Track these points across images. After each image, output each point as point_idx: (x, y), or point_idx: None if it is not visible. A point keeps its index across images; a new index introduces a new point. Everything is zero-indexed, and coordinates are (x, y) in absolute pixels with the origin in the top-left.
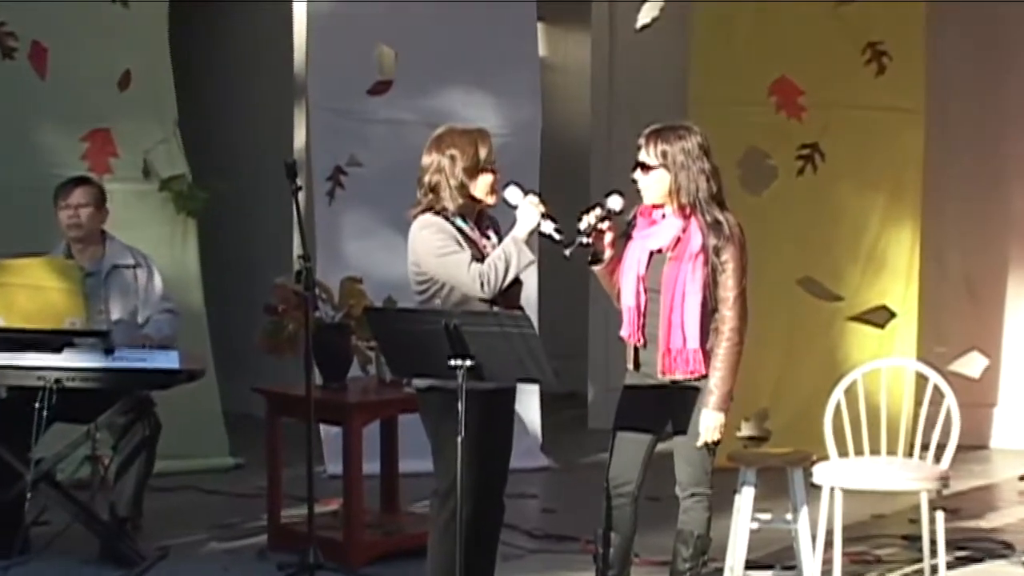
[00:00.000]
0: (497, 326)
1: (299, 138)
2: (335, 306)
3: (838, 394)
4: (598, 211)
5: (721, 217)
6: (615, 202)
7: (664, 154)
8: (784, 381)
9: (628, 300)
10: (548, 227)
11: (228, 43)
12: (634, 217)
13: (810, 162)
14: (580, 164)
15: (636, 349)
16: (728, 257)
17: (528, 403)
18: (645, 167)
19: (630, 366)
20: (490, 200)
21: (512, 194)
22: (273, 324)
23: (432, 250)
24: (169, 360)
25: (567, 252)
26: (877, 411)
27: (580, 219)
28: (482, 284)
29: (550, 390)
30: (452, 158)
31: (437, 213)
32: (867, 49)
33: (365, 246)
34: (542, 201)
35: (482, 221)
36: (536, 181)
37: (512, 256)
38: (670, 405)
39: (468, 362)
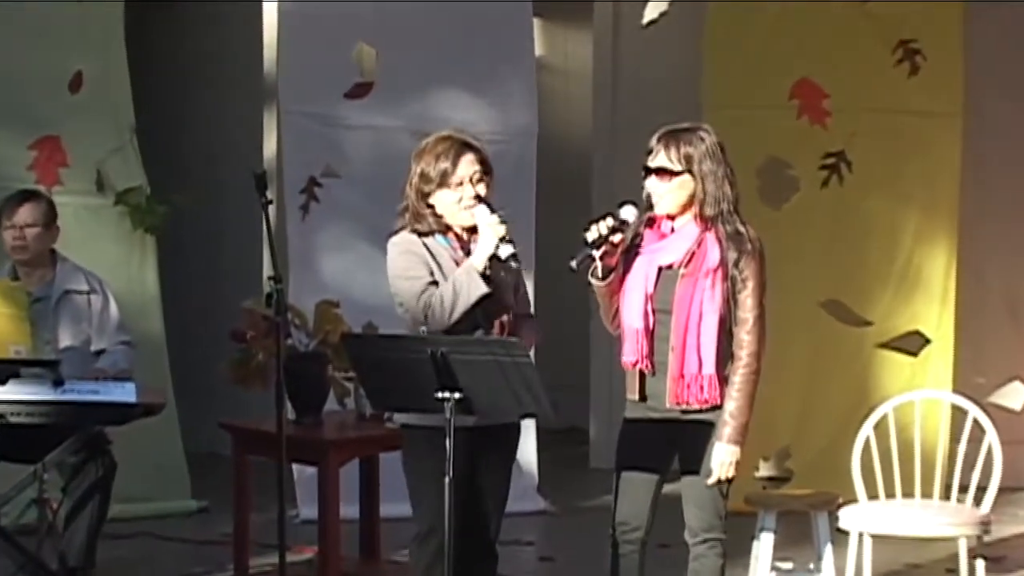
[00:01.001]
0: (489, 354)
1: (269, 146)
2: (309, 333)
3: (867, 430)
4: (610, 221)
5: (742, 228)
6: (628, 212)
7: (688, 158)
8: (806, 415)
9: (633, 321)
10: (505, 251)
11: (190, 42)
12: (640, 229)
13: (835, 172)
14: (581, 174)
15: (642, 377)
16: (749, 273)
17: (523, 440)
18: (664, 172)
19: (633, 397)
20: (459, 220)
21: (480, 215)
22: (241, 353)
23: (395, 272)
24: (125, 393)
25: (573, 263)
26: (910, 448)
27: (588, 229)
28: (426, 316)
29: (548, 425)
30: (421, 173)
31: (414, 231)
32: (899, 48)
33: (342, 266)
34: (503, 222)
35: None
36: (532, 192)
37: (461, 288)
38: (678, 440)
39: (456, 395)
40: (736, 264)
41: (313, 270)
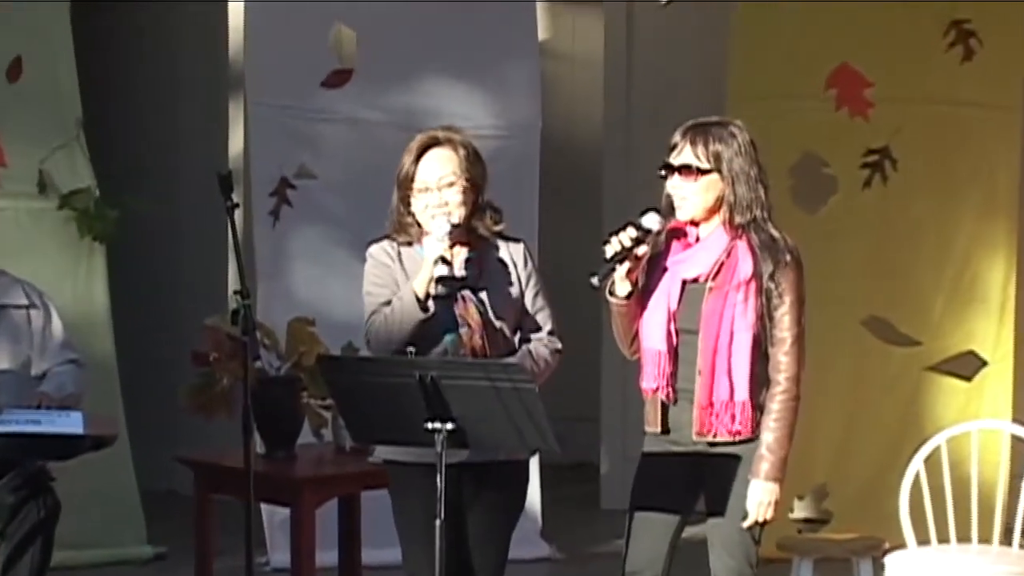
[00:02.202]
0: (485, 379)
1: (235, 142)
2: (281, 354)
3: (916, 464)
4: (632, 231)
5: (777, 234)
6: (651, 221)
7: (717, 156)
8: (847, 449)
9: (655, 343)
10: (441, 271)
11: (146, 23)
12: (661, 236)
13: (879, 171)
14: (590, 173)
15: (663, 406)
16: (786, 286)
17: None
18: (690, 170)
19: (654, 428)
20: (430, 229)
21: (435, 228)
22: (202, 377)
23: (364, 285)
24: (71, 423)
25: (595, 280)
26: (966, 486)
27: (608, 241)
28: (367, 340)
29: (552, 460)
30: (396, 176)
31: (393, 241)
32: (951, 30)
33: (319, 279)
34: (451, 237)
35: (479, 256)
36: (534, 193)
37: (396, 312)
38: (704, 477)
39: (449, 425)
40: (772, 276)
41: (285, 283)
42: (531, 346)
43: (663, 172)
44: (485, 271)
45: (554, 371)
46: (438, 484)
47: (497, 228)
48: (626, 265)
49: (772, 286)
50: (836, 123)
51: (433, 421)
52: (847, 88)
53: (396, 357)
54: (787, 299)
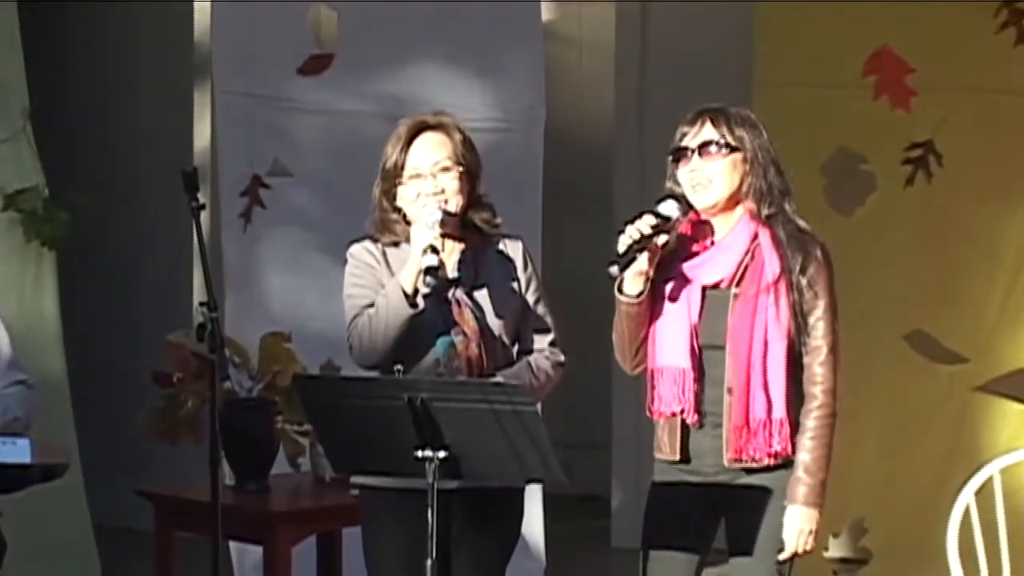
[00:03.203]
0: (483, 401)
1: (201, 136)
2: (252, 374)
3: (966, 497)
4: (650, 218)
5: (805, 224)
6: (670, 208)
7: (742, 139)
8: (887, 479)
9: (677, 360)
10: (429, 260)
11: (104, 9)
12: (673, 234)
13: (922, 167)
14: (600, 168)
15: (684, 431)
16: (821, 285)
17: (527, 510)
18: (712, 148)
19: (672, 456)
20: (419, 217)
21: (424, 215)
22: (165, 400)
23: (344, 289)
24: (17, 452)
25: (614, 269)
26: (1021, 520)
27: (623, 231)
28: (350, 347)
29: (558, 491)
30: (380, 169)
31: (375, 240)
32: (1002, 10)
33: (295, 289)
34: (443, 224)
35: (476, 254)
36: (538, 191)
37: (381, 311)
38: (727, 510)
39: (441, 453)
40: (803, 270)
41: (257, 294)
42: (531, 358)
43: (672, 158)
44: (482, 271)
45: (556, 388)
46: (429, 519)
47: (497, 222)
48: (645, 257)
49: (804, 282)
50: (875, 114)
51: (424, 448)
52: (887, 74)
53: (382, 377)
54: (821, 302)
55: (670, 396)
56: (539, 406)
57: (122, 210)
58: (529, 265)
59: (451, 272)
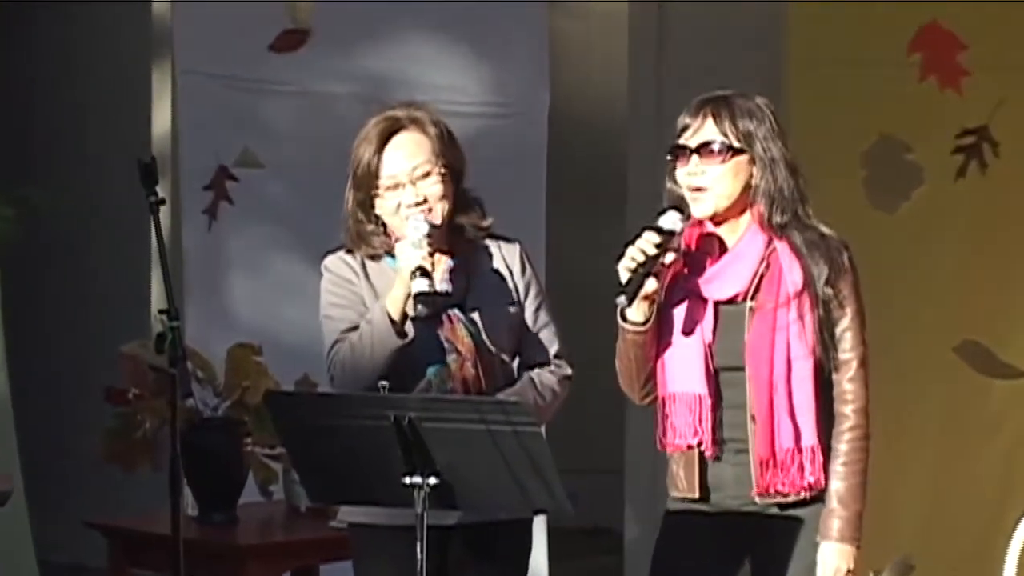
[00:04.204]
0: (478, 420)
1: (161, 123)
2: (218, 390)
3: None
4: (653, 236)
5: (826, 230)
6: (672, 220)
7: (749, 136)
8: (937, 509)
9: (689, 385)
10: (420, 285)
11: None
12: (679, 243)
13: (975, 157)
14: (612, 159)
15: (702, 463)
16: (847, 294)
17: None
18: (713, 149)
19: (690, 493)
20: (405, 233)
21: (412, 230)
22: (119, 420)
23: (321, 308)
24: None
25: (622, 299)
26: None
27: (622, 255)
28: (331, 376)
29: (564, 523)
30: (351, 175)
31: (350, 251)
32: None
33: (266, 294)
34: (432, 245)
35: (466, 262)
36: (541, 186)
37: (364, 339)
38: (750, 545)
39: (432, 480)
40: (828, 281)
41: (224, 300)
42: (534, 374)
43: (670, 156)
44: (475, 281)
45: (564, 404)
46: (418, 555)
47: (484, 224)
48: (652, 281)
49: (831, 294)
50: (922, 96)
51: (412, 474)
52: (936, 52)
53: (365, 394)
54: (848, 310)
55: (685, 426)
56: (543, 427)
57: (73, 206)
58: (528, 269)
59: (440, 284)
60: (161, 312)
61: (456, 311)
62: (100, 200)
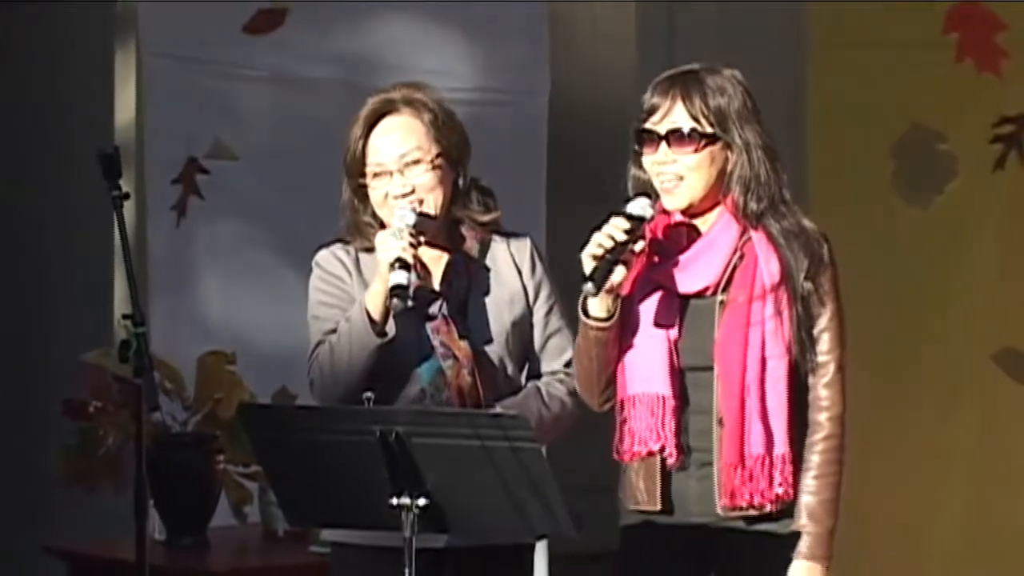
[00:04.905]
0: (472, 436)
1: (124, 109)
2: (188, 403)
3: None
4: (622, 222)
5: (806, 221)
6: (643, 206)
7: (721, 116)
8: (973, 536)
9: (651, 384)
10: (397, 278)
11: None
12: (645, 236)
13: (1015, 147)
14: (617, 147)
15: (664, 472)
16: (827, 291)
17: (532, 570)
18: (685, 137)
19: (647, 506)
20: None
21: (396, 219)
22: (79, 435)
23: (309, 306)
24: None
25: (589, 287)
26: None
27: (588, 243)
28: (311, 380)
29: (568, 549)
30: (344, 155)
31: (349, 245)
32: None
33: (240, 297)
34: (413, 235)
35: (466, 260)
36: (541, 175)
37: (343, 339)
38: (716, 566)
39: (421, 501)
40: (808, 275)
41: (193, 303)
42: (542, 383)
43: (637, 146)
44: (477, 281)
45: (574, 418)
46: None
47: (488, 218)
48: (621, 270)
49: (810, 289)
50: (957, 81)
51: (400, 495)
52: (972, 32)
53: (347, 407)
54: (828, 307)
55: (646, 430)
56: (543, 445)
57: (26, 200)
58: (538, 268)
59: (437, 284)
60: (125, 317)
61: (454, 313)
62: (57, 195)
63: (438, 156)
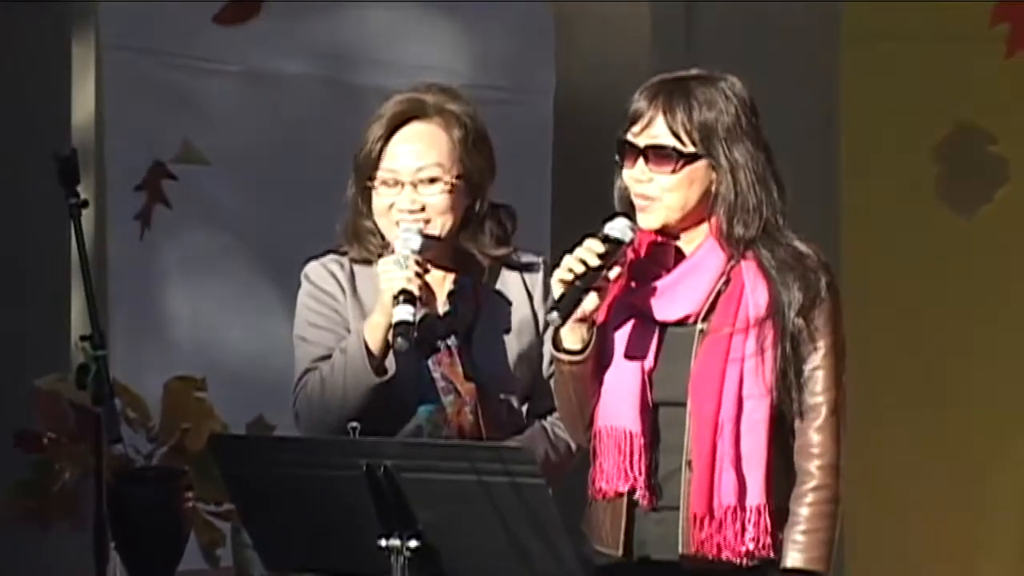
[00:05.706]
0: (470, 470)
1: (83, 108)
2: (153, 434)
3: None
4: (596, 244)
5: (804, 247)
6: (621, 228)
7: (707, 131)
8: None
9: (620, 419)
10: (401, 313)
11: None
12: (625, 258)
13: None
14: None
15: (631, 513)
16: (821, 327)
17: None
18: (664, 155)
19: (609, 548)
20: (393, 244)
21: (401, 243)
22: (33, 469)
23: (296, 325)
24: None
25: (554, 315)
26: None
27: (558, 265)
28: (296, 413)
29: None
30: (353, 159)
31: (343, 256)
32: None
33: (210, 316)
34: (419, 263)
35: (474, 286)
36: (545, 182)
37: (337, 371)
38: None
39: (412, 543)
40: (801, 311)
41: (159, 324)
42: (548, 423)
43: (617, 153)
44: (484, 308)
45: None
46: None
47: (498, 253)
48: (594, 297)
49: (801, 325)
50: (1007, 77)
51: (389, 536)
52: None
53: (331, 438)
54: (822, 345)
55: (614, 469)
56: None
57: None
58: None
59: (441, 308)
60: (83, 339)
61: (455, 343)
62: (7, 203)
63: (458, 178)
